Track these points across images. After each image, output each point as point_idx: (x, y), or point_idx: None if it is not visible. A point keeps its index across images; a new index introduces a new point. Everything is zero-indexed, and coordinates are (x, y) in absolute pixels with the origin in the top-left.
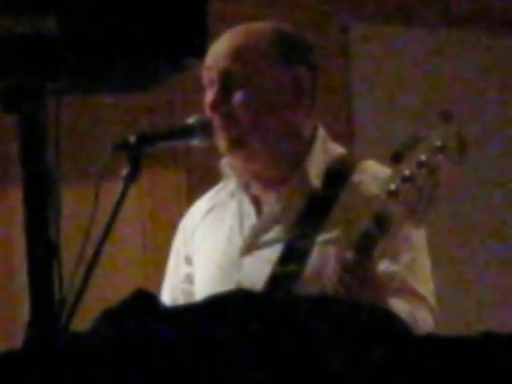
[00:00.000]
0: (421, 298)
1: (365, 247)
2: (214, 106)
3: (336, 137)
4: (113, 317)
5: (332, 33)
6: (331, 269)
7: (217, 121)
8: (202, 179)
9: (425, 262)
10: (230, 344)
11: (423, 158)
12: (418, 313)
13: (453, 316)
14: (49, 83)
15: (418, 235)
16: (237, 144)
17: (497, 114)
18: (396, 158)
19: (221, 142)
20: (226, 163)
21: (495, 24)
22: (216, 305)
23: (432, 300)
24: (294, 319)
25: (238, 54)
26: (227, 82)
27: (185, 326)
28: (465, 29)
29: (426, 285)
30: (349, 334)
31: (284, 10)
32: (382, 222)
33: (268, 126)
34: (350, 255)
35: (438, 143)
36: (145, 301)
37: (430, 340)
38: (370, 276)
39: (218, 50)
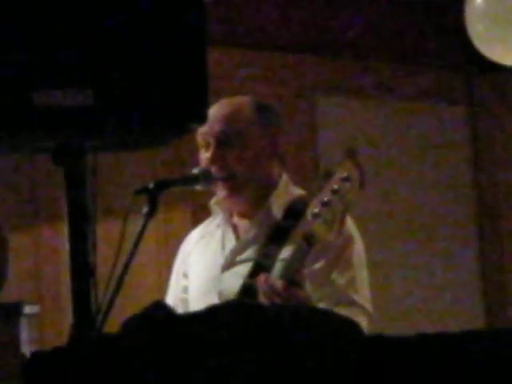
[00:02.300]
0: (359, 307)
1: (295, 263)
2: (213, 161)
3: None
4: (136, 322)
5: (303, 105)
6: (261, 289)
7: (216, 173)
8: (204, 216)
9: (363, 278)
10: (227, 344)
11: (335, 186)
12: (355, 318)
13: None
14: (87, 142)
15: (358, 257)
16: (234, 192)
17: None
18: (316, 189)
19: (221, 190)
20: (214, 203)
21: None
22: (216, 313)
23: (368, 307)
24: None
25: (228, 120)
26: (221, 142)
27: (192, 330)
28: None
29: (363, 296)
30: (325, 340)
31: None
32: (309, 238)
33: (256, 175)
34: (278, 282)
35: (345, 174)
36: (161, 309)
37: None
38: (294, 299)
39: (211, 118)
